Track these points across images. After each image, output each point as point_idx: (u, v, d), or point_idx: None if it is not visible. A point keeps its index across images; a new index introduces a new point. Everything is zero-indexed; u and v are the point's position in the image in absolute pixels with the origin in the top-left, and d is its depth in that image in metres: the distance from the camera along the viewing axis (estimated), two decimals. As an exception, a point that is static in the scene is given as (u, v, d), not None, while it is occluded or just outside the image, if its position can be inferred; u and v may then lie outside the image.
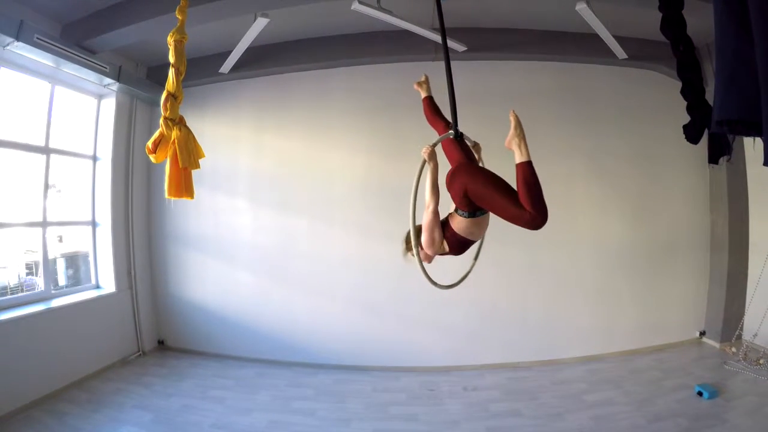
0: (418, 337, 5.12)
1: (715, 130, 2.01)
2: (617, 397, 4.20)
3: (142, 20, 4.12)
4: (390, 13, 4.19)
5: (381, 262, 5.06)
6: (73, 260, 5.20)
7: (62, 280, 5.05)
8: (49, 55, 3.99)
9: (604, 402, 4.12)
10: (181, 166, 3.11)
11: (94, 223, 5.21)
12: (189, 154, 3.18)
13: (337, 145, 5.31)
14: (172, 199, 3.22)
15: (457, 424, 3.88)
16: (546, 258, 5.25)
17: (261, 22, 4.25)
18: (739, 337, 5.10)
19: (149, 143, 3.17)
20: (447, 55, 2.74)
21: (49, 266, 4.68)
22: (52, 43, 3.98)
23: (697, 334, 5.50)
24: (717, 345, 5.25)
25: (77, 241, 5.20)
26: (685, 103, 3.93)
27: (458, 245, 2.58)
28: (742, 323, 5.11)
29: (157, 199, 5.57)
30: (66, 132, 4.90)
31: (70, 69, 4.38)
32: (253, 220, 5.48)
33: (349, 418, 4.01)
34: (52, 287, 4.67)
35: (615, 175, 5.36)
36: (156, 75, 5.38)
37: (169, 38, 3.14)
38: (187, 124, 3.27)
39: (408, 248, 2.61)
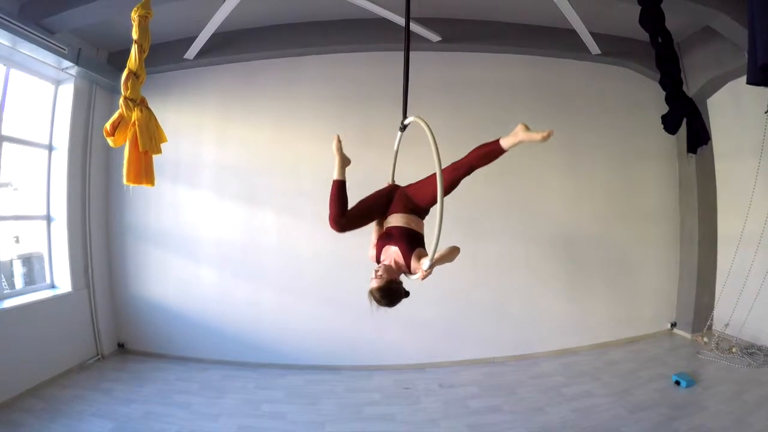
0: (391, 334, 4.94)
1: (752, 81, 1.91)
2: (596, 389, 4.19)
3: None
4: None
5: (352, 256, 4.77)
6: (29, 260, 4.85)
7: (19, 283, 4.71)
8: (5, 33, 3.69)
9: (583, 395, 4.10)
10: (141, 149, 2.92)
11: (48, 218, 4.84)
12: (150, 138, 2.98)
13: (307, 136, 5.10)
14: (131, 185, 3.02)
15: (436, 422, 3.76)
16: (519, 252, 5.22)
17: (231, 3, 4.03)
18: (710, 327, 5.19)
19: (107, 125, 2.96)
20: (408, 39, 2.70)
21: (3, 267, 4.36)
22: (9, 20, 3.67)
23: (669, 325, 5.57)
24: (688, 336, 5.32)
25: (34, 241, 4.84)
26: (661, 95, 3.96)
27: None
28: (713, 314, 5.20)
29: (115, 192, 5.21)
30: (20, 119, 4.54)
31: (27, 50, 4.05)
32: (217, 214, 5.20)
33: (322, 420, 3.83)
34: (3, 287, 4.32)
35: (588, 169, 5.39)
36: (117, 61, 5.01)
37: (133, 13, 2.95)
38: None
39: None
